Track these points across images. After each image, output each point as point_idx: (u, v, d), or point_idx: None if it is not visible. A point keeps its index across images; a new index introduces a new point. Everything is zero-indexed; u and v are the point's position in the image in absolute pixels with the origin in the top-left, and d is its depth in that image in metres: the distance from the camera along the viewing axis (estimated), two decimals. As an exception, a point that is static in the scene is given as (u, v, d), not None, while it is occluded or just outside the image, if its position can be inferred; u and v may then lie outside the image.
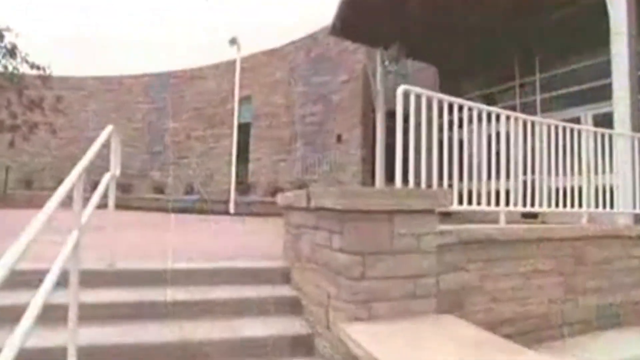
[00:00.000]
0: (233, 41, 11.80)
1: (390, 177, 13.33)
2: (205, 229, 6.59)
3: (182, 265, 3.39)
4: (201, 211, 11.70)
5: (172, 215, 10.08)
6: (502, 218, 4.31)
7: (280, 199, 4.02)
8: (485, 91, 12.01)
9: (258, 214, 11.11)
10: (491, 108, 4.51)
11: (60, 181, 3.15)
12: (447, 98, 4.17)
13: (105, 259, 3.23)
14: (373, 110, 13.11)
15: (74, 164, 2.61)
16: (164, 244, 4.50)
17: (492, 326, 3.86)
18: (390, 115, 12.83)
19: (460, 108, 4.23)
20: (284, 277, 3.46)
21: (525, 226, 4.17)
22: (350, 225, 2.27)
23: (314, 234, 2.84)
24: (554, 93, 10.29)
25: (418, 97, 3.94)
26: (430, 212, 2.49)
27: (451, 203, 3.31)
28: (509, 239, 3.89)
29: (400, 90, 3.76)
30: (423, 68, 13.85)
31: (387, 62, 11.79)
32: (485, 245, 3.79)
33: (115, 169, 3.43)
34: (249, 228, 7.11)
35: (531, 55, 10.86)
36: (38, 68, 13.85)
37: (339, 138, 13.86)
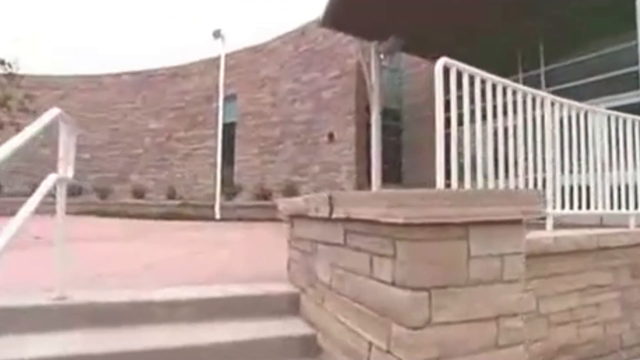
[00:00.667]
0: (217, 34, 10.98)
1: (392, 179, 12.68)
2: (187, 240, 5.75)
3: (159, 294, 2.59)
4: (184, 217, 10.83)
5: (151, 223, 9.21)
6: (550, 222, 3.60)
7: (282, 205, 3.25)
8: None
9: (245, 219, 10.30)
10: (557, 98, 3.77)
11: (34, 186, 2.43)
12: (496, 78, 3.43)
13: (53, 288, 2.40)
14: (367, 108, 12.42)
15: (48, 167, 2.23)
16: (136, 261, 3.68)
17: (548, 357, 3.17)
18: (386, 113, 12.22)
19: (511, 92, 3.47)
20: (292, 305, 2.69)
21: (585, 232, 3.45)
22: (410, 247, 1.52)
23: (341, 254, 2.08)
24: (561, 86, 9.71)
25: (459, 74, 3.18)
26: (517, 222, 1.75)
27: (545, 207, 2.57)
28: (566, 250, 3.18)
29: (439, 64, 3.01)
30: (417, 63, 13.22)
31: (382, 56, 11.09)
32: (540, 258, 3.07)
33: (65, 170, 2.58)
34: (238, 236, 6.30)
35: (535, 46, 10.28)
36: (3, 63, 12.80)
37: (330, 137, 13.12)
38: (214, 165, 14.15)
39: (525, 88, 3.67)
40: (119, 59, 25.58)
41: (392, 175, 12.54)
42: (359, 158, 12.45)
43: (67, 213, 9.86)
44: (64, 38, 28.68)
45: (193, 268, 3.55)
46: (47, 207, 2.41)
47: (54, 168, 2.56)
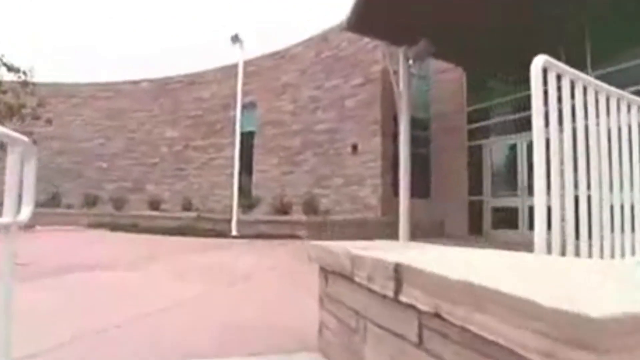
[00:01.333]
0: (235, 38, 10.39)
1: (419, 193, 11.86)
2: (197, 269, 5.00)
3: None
4: (199, 232, 10.19)
5: (162, 240, 8.58)
6: None
7: (314, 252, 2.49)
8: (522, 93, 10.51)
9: (264, 236, 9.60)
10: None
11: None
12: (601, 85, 2.64)
13: None
14: (394, 117, 11.65)
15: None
16: (124, 309, 2.99)
17: None
18: (414, 123, 11.43)
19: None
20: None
21: None
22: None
23: (410, 355, 1.34)
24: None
25: (558, 77, 2.42)
26: None
27: None
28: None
29: (538, 63, 2.26)
30: (446, 69, 12.40)
31: (411, 62, 10.33)
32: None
33: (24, 210, 1.85)
34: (256, 262, 5.58)
35: (581, 48, 9.37)
36: (18, 71, 12.47)
37: (354, 148, 12.37)
38: (231, 175, 13.52)
39: None
40: (132, 64, 25.32)
41: (420, 189, 11.71)
42: (384, 171, 11.67)
43: (79, 224, 9.28)
44: (64, 38, 28.54)
45: (193, 323, 2.83)
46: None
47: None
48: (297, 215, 11.53)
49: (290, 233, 9.71)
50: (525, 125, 10.50)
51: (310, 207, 11.44)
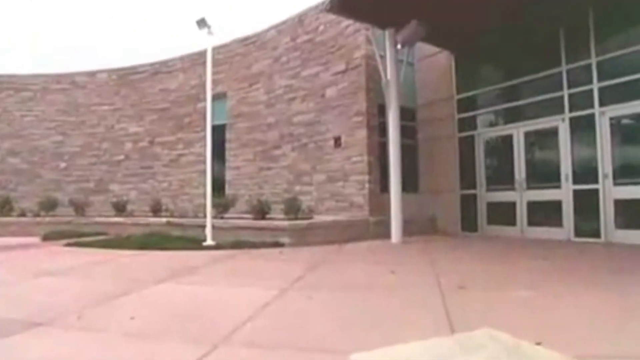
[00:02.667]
0: (202, 23, 9.18)
1: (408, 187, 11.01)
2: (163, 316, 3.61)
3: None
4: (169, 243, 9.09)
5: (125, 262, 7.44)
6: None
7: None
8: (518, 80, 9.74)
9: (244, 246, 8.59)
10: None
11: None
12: None
13: None
14: (380, 108, 10.74)
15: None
16: None
17: None
18: (401, 112, 10.53)
19: None
20: None
21: None
22: None
23: None
24: (619, 80, 8.08)
25: None
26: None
27: None
28: None
29: None
30: (433, 54, 11.52)
31: (399, 47, 9.39)
32: None
33: None
34: (239, 302, 4.58)
35: (585, 30, 8.61)
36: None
37: (337, 141, 11.41)
38: (203, 173, 12.37)
39: None
40: (88, 53, 23.51)
41: (408, 183, 10.89)
42: (371, 165, 10.78)
43: (34, 234, 7.77)
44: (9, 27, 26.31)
45: None
46: None
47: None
48: (279, 218, 10.54)
49: (274, 241, 8.72)
50: (522, 114, 9.78)
51: (292, 207, 10.45)
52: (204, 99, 11.34)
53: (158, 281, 5.16)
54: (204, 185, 10.91)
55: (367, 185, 10.70)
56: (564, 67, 8.90)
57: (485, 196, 10.38)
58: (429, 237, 10.07)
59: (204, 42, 9.90)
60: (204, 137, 11.54)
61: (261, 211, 11.39)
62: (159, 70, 16.22)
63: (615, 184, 8.13)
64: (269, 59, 13.45)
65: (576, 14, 8.65)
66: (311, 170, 11.98)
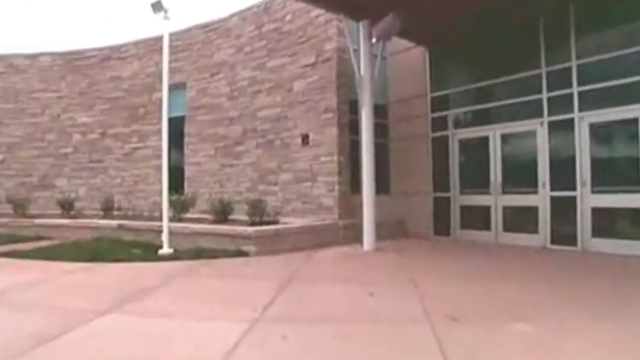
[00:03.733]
0: (157, 5, 8.23)
1: (379, 189, 10.41)
2: None
3: None
4: (121, 252, 8.18)
5: (63, 283, 6.53)
6: None
7: None
8: (495, 80, 9.36)
9: (205, 255, 7.82)
10: None
11: None
12: None
13: None
14: (351, 104, 10.13)
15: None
16: None
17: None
18: (377, 109, 9.97)
19: None
20: None
21: None
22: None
23: None
24: (600, 84, 7.80)
25: None
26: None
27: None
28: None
29: None
30: (406, 49, 11.00)
31: (374, 40, 8.78)
32: None
33: None
34: (202, 343, 3.88)
35: (566, 32, 8.28)
36: None
37: (305, 139, 10.73)
38: (161, 169, 11.42)
39: None
40: (28, 33, 21.67)
41: (379, 184, 10.34)
42: (341, 166, 10.18)
43: None
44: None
45: None
46: None
47: None
48: (242, 220, 9.80)
49: (236, 249, 7.99)
50: (499, 115, 9.42)
51: (257, 209, 9.73)
52: (161, 89, 10.36)
53: (102, 312, 4.35)
54: (161, 182, 10.01)
55: (336, 187, 10.12)
56: (543, 69, 8.57)
57: (460, 199, 10.01)
58: (401, 243, 9.61)
59: (161, 27, 8.94)
60: (161, 130, 10.61)
61: (223, 212, 10.62)
62: (111, 55, 14.94)
63: (593, 191, 7.90)
64: (232, 48, 12.55)
65: (556, 15, 8.31)
66: (277, 169, 11.27)
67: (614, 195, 7.64)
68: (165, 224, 8.50)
